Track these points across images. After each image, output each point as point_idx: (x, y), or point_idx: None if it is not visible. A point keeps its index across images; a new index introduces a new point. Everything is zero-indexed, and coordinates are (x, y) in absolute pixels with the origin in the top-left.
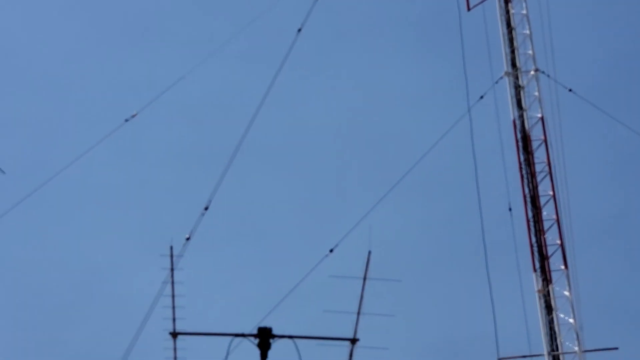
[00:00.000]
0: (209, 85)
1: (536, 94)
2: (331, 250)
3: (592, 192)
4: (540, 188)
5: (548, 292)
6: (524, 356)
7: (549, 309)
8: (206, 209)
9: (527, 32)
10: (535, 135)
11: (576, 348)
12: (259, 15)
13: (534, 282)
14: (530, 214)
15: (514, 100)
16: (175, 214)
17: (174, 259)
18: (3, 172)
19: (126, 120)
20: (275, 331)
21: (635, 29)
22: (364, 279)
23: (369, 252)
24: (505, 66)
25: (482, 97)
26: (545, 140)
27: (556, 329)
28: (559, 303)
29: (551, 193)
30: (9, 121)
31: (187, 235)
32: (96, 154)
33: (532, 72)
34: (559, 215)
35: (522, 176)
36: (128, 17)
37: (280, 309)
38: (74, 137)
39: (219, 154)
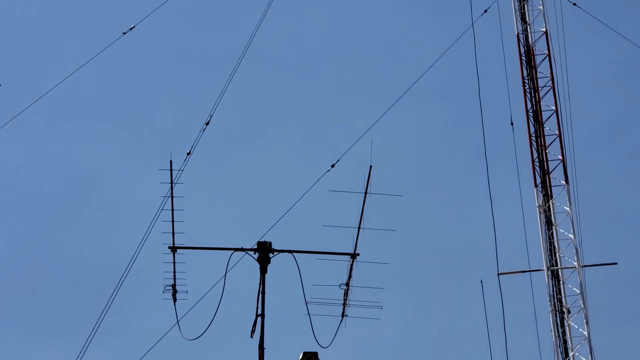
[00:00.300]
0: None
1: (540, 7)
2: (333, 166)
3: (594, 106)
4: (543, 103)
5: (549, 207)
6: (524, 271)
7: (549, 224)
8: (207, 124)
9: None
10: (539, 49)
11: (575, 263)
12: None
13: (535, 197)
14: (532, 129)
15: (518, 14)
16: (176, 127)
17: (174, 173)
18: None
19: (124, 33)
20: (275, 246)
21: None
22: (365, 193)
23: (370, 167)
24: None
25: (485, 10)
26: (549, 54)
27: (556, 244)
28: (559, 218)
29: (554, 108)
30: (6, 34)
31: (188, 150)
32: (96, 66)
33: None
34: (561, 130)
35: (524, 91)
36: None
37: (280, 224)
38: (75, 49)
39: (220, 64)
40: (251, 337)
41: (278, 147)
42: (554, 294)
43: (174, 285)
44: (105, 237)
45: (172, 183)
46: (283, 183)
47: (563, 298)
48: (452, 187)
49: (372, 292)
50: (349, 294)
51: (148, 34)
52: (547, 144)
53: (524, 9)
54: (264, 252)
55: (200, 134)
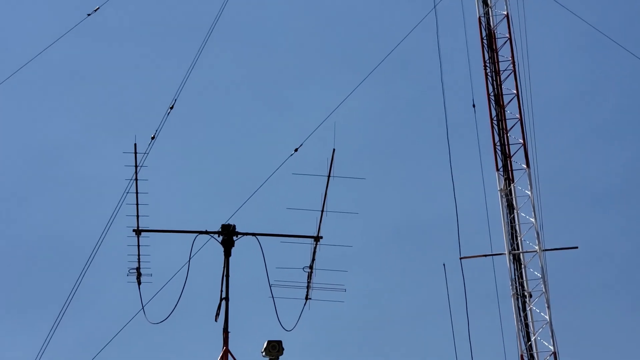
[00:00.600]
0: None
1: None
2: (296, 150)
3: (555, 89)
4: (504, 86)
5: (510, 191)
6: (485, 255)
7: (510, 208)
8: (171, 108)
9: None
10: (501, 32)
11: (536, 247)
12: None
13: (497, 180)
14: (493, 113)
15: None
16: (142, 106)
17: (139, 156)
18: None
19: (88, 15)
20: (239, 229)
21: None
22: (328, 177)
23: (333, 150)
24: None
25: None
26: (510, 38)
27: (517, 227)
28: (520, 202)
29: (515, 92)
30: None
31: (152, 135)
32: (61, 45)
33: None
34: (522, 113)
35: (486, 74)
36: None
37: (244, 207)
38: (40, 30)
39: (186, 42)
40: (216, 320)
41: (242, 131)
42: (515, 278)
43: (138, 269)
44: (69, 214)
45: (136, 166)
46: (247, 166)
47: (525, 282)
48: (415, 169)
49: (335, 275)
50: (312, 277)
51: (113, 14)
52: (508, 128)
53: None
54: (228, 235)
55: (165, 118)
